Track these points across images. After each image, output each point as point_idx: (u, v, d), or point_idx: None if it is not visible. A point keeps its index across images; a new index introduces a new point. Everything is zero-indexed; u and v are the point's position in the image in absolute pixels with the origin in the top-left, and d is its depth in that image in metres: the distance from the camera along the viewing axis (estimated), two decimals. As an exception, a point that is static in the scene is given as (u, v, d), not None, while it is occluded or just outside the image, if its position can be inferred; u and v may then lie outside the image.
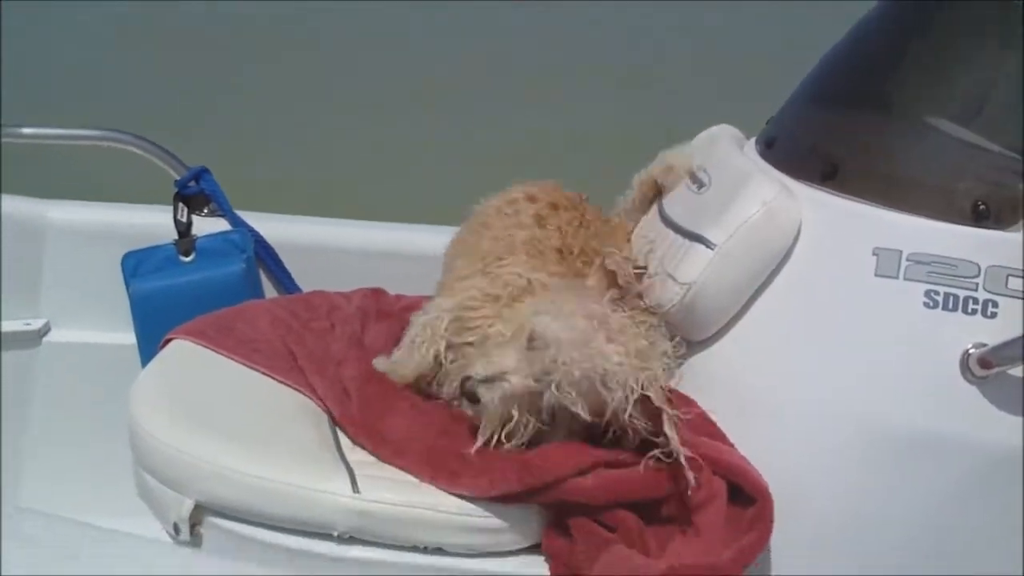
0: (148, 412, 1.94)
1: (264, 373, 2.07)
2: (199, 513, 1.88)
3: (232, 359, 2.10)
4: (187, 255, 2.76)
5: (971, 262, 1.71)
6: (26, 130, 2.77)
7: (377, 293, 2.50)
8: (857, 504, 1.76)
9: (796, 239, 1.84)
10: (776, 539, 1.77)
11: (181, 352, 2.14)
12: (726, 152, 2.11)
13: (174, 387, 2.04)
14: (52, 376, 2.73)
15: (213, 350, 2.11)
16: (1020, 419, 1.70)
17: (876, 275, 1.75)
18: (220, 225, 2.82)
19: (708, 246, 1.85)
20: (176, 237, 2.77)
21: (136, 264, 2.73)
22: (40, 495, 2.61)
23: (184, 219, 2.79)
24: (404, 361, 2.03)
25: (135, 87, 7.97)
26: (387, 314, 2.34)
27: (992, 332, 1.70)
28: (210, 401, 2.00)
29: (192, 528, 1.89)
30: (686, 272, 1.88)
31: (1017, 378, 1.70)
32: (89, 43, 9.25)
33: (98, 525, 1.45)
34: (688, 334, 1.94)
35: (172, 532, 1.89)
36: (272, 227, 2.84)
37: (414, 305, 2.24)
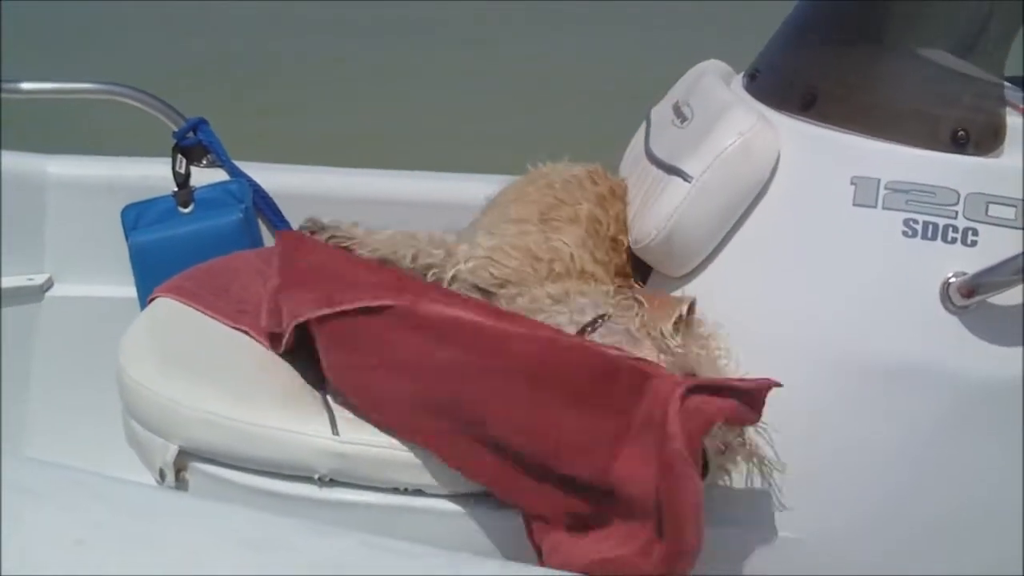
0: (134, 362, 1.97)
1: (242, 330, 2.08)
2: (184, 459, 1.90)
3: (208, 315, 2.11)
4: (186, 206, 2.76)
5: (950, 189, 1.68)
6: (24, 85, 2.77)
7: None
8: (838, 435, 1.74)
9: (774, 171, 1.80)
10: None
11: (167, 307, 2.15)
12: (709, 85, 2.07)
13: (160, 339, 2.06)
14: (55, 330, 2.75)
15: (192, 306, 2.12)
16: (1000, 349, 1.67)
17: (854, 204, 1.72)
18: (219, 176, 2.82)
19: (685, 179, 1.82)
20: (175, 189, 2.77)
21: (136, 216, 2.74)
22: (45, 448, 2.65)
23: (183, 170, 2.79)
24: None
25: (130, 38, 8.01)
26: None
27: (972, 260, 1.66)
28: (195, 351, 2.02)
29: (177, 474, 1.91)
30: (663, 206, 1.85)
31: (998, 307, 1.67)
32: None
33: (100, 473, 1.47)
34: (668, 269, 1.92)
35: (158, 478, 1.91)
36: (270, 177, 2.83)
37: None
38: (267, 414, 1.84)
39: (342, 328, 1.86)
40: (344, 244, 2.14)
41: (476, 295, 1.94)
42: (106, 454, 2.06)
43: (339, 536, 1.32)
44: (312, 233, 2.17)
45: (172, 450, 1.87)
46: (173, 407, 1.87)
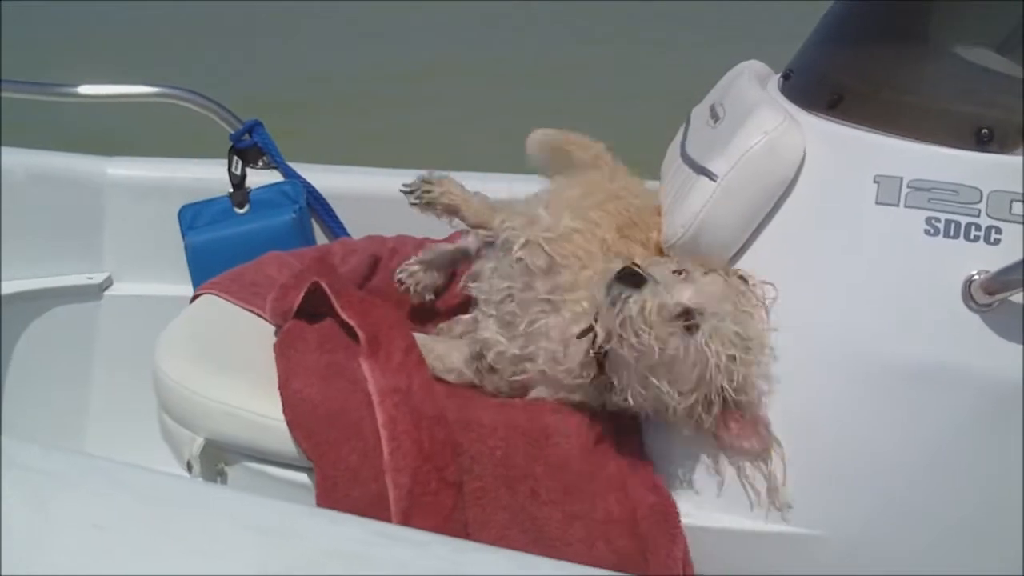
0: (167, 357, 2.04)
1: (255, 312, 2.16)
2: (220, 453, 1.96)
3: (245, 308, 2.18)
4: (241, 207, 2.84)
5: (973, 187, 1.67)
6: (82, 88, 2.87)
7: (423, 240, 2.54)
8: (861, 433, 1.74)
9: (800, 169, 1.80)
10: (782, 476, 1.78)
11: (206, 304, 2.22)
12: (742, 85, 2.08)
13: (194, 335, 2.14)
14: (113, 328, 2.83)
15: (231, 301, 2.19)
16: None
17: (877, 203, 1.72)
18: (274, 177, 2.89)
19: (711, 178, 1.83)
20: (230, 190, 2.84)
21: (193, 217, 2.82)
22: (100, 441, 2.73)
23: (238, 172, 2.87)
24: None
25: (188, 42, 8.16)
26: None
27: (995, 259, 1.65)
28: (226, 347, 2.10)
29: (217, 468, 1.98)
30: (691, 205, 1.86)
31: (1021, 306, 1.66)
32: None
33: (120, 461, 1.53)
34: (695, 268, 1.93)
35: (186, 470, 1.97)
36: (324, 178, 2.90)
37: None
38: (275, 407, 1.89)
39: None
40: (452, 202, 2.14)
41: (543, 261, 1.95)
42: (156, 448, 2.13)
43: (348, 524, 1.36)
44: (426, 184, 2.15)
45: (198, 442, 1.94)
46: (198, 400, 1.93)
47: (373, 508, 1.77)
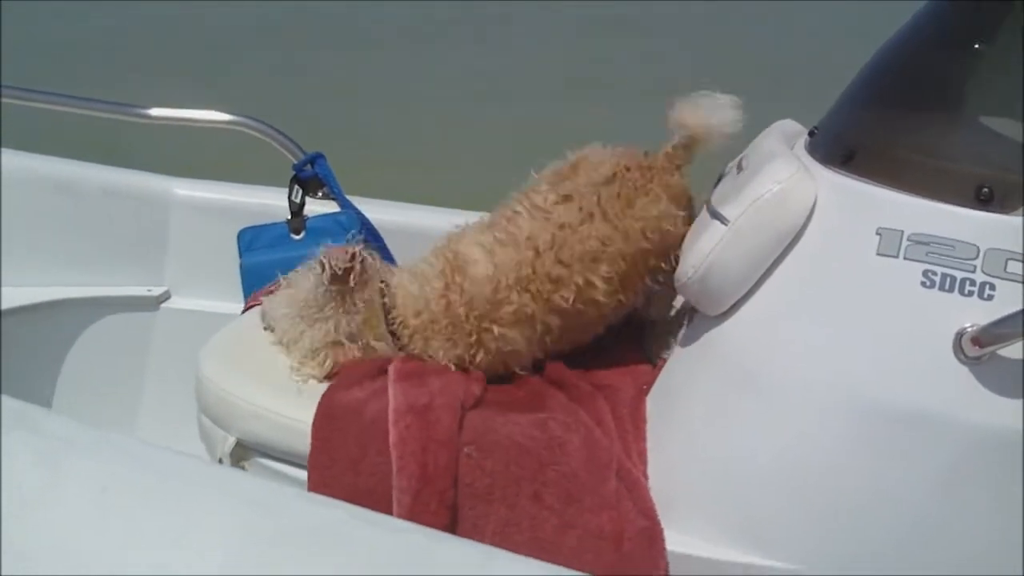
0: (208, 360, 2.15)
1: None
2: (243, 452, 2.07)
3: None
4: (297, 233, 2.96)
5: (970, 244, 1.72)
6: (153, 111, 3.03)
7: None
8: (848, 480, 1.78)
9: (809, 219, 1.87)
10: (768, 512, 1.83)
11: (253, 315, 2.35)
12: (767, 141, 2.16)
13: (237, 342, 2.26)
14: (168, 339, 2.97)
15: None
16: (1010, 401, 1.70)
17: (877, 254, 1.78)
18: (331, 208, 3.01)
19: (723, 222, 1.91)
20: (289, 216, 2.97)
21: (251, 239, 2.95)
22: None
23: (298, 200, 2.99)
24: None
25: (258, 72, 8.43)
26: None
27: (988, 314, 1.69)
28: (264, 354, 2.19)
29: (239, 466, 2.09)
30: (701, 246, 1.94)
31: (1009, 360, 1.70)
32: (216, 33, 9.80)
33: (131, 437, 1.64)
34: (704, 308, 2.01)
35: None
36: (380, 211, 3.02)
37: None
38: (301, 410, 2.00)
39: None
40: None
41: None
42: (195, 450, 2.25)
43: (331, 506, 1.46)
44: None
45: (230, 441, 2.05)
46: (232, 400, 2.05)
47: (361, 500, 1.87)
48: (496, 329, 2.12)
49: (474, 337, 2.13)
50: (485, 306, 2.12)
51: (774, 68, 8.81)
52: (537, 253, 2.12)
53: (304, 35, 10.23)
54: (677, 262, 2.10)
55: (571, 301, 2.12)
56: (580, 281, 2.12)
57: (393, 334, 2.17)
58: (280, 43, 9.80)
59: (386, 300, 2.17)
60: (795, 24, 10.53)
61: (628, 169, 2.19)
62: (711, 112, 2.14)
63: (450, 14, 11.09)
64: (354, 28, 10.59)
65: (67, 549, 1.34)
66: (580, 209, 2.15)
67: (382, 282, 2.17)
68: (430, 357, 2.15)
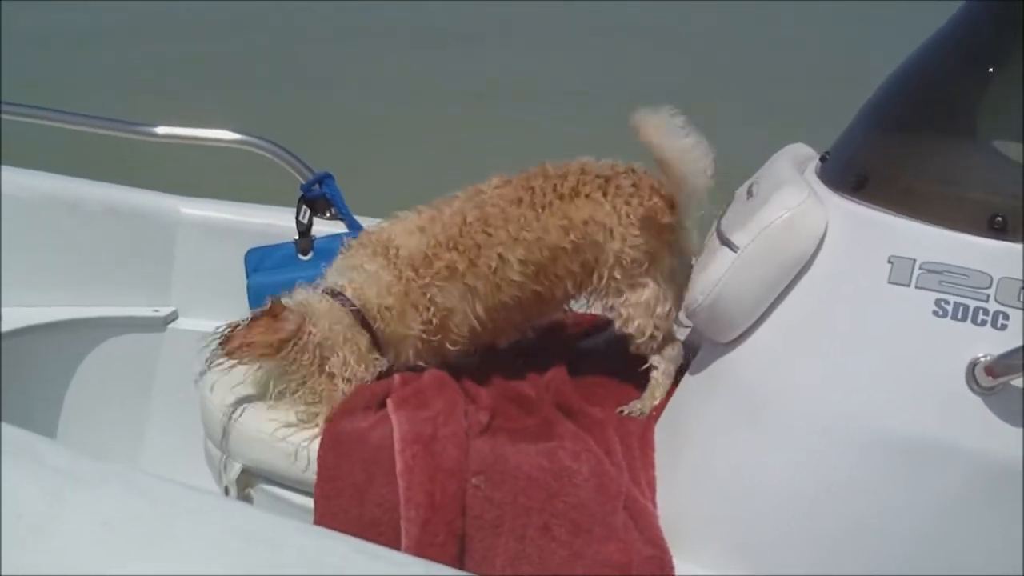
0: (214, 388, 2.13)
1: None
2: (249, 478, 2.05)
3: None
4: (305, 254, 2.94)
5: (983, 273, 1.70)
6: (159, 129, 3.01)
7: None
8: (859, 508, 1.77)
9: (820, 246, 1.85)
10: (780, 540, 1.81)
11: None
12: (777, 166, 2.14)
13: (242, 369, 2.22)
14: (173, 361, 2.94)
15: None
16: (1021, 432, 1.68)
17: (889, 282, 1.76)
18: (339, 229, 2.99)
19: (732, 249, 1.90)
20: (297, 237, 2.95)
21: (259, 260, 2.93)
22: (154, 465, 2.83)
23: (305, 220, 2.97)
24: None
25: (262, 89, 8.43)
26: None
27: (1001, 343, 1.68)
28: (269, 377, 2.17)
29: (244, 492, 2.07)
30: (711, 273, 1.92)
31: (1021, 390, 1.68)
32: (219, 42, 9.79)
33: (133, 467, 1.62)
34: (714, 334, 1.99)
35: (223, 493, 2.06)
36: None
37: None
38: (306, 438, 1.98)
39: None
40: None
41: None
42: (201, 472, 2.23)
43: (333, 539, 1.44)
44: None
45: (236, 468, 2.03)
46: (237, 427, 2.03)
47: (367, 530, 1.85)
48: (436, 285, 2.16)
49: (428, 295, 2.16)
50: (422, 261, 2.16)
51: (783, 82, 8.82)
52: (465, 221, 2.18)
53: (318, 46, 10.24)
54: (607, 281, 2.16)
55: (493, 270, 2.15)
56: (500, 252, 2.16)
57: (374, 337, 2.15)
58: (291, 56, 9.82)
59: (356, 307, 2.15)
60: (804, 33, 10.51)
61: (584, 172, 2.21)
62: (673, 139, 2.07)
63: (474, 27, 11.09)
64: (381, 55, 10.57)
65: (66, 582, 1.32)
66: (514, 192, 2.21)
67: (338, 293, 2.18)
68: (412, 338, 2.17)
